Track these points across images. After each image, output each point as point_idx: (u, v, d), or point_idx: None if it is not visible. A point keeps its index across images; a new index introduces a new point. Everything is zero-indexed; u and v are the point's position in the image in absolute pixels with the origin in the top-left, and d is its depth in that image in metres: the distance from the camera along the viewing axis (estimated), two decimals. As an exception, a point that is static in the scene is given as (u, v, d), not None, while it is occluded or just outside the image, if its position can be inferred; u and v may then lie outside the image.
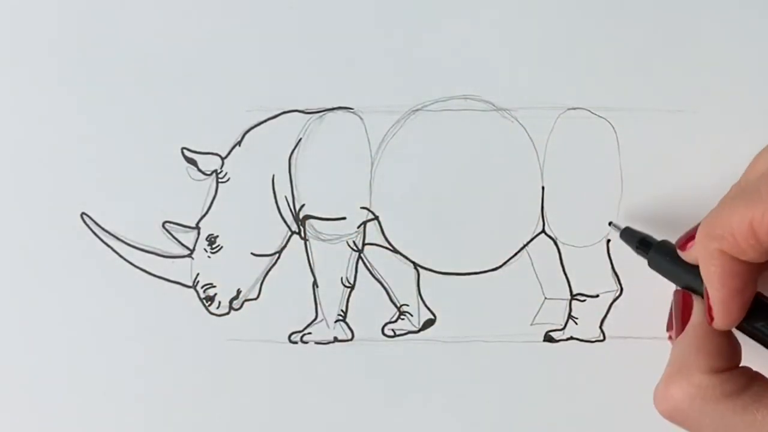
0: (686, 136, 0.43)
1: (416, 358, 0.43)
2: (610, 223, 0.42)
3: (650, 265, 0.40)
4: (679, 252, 0.38)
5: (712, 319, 0.35)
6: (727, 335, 0.36)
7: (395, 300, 0.44)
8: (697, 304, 0.37)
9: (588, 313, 0.43)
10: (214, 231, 0.44)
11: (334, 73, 0.43)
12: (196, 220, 0.44)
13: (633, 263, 0.41)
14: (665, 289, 0.40)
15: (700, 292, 0.37)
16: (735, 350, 0.35)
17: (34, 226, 0.43)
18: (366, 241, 0.44)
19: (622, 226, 0.42)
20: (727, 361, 0.35)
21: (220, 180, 0.44)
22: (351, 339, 0.43)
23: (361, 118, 0.43)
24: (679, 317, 0.37)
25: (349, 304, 0.44)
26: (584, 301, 0.43)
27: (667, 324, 0.40)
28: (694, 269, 0.36)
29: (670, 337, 0.39)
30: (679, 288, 0.38)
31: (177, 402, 0.43)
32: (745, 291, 0.34)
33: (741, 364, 0.35)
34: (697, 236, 0.35)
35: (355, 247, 0.44)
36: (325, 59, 0.43)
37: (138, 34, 0.44)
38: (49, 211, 0.43)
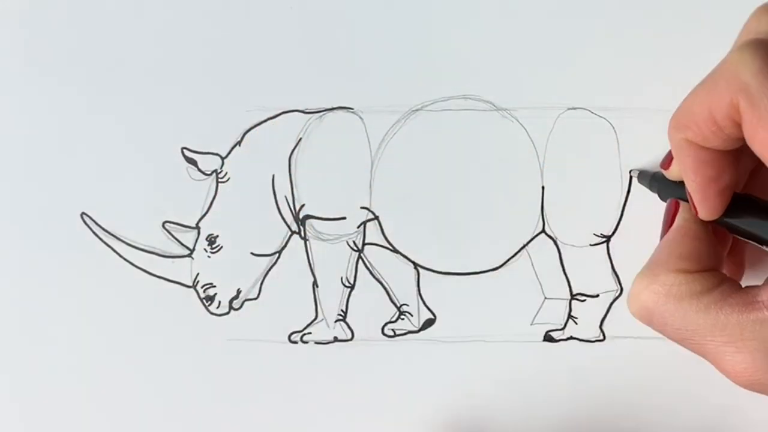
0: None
1: (416, 358, 0.43)
2: (630, 172, 0.43)
3: (661, 197, 0.40)
4: (663, 172, 0.39)
5: (696, 212, 0.36)
6: (704, 241, 0.36)
7: (395, 300, 0.44)
8: (680, 210, 0.37)
9: (588, 313, 0.43)
10: (214, 231, 0.44)
11: (334, 73, 0.43)
12: (196, 220, 0.44)
13: (633, 263, 0.41)
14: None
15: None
16: (710, 255, 0.35)
17: (34, 226, 0.43)
18: (366, 241, 0.44)
19: (636, 172, 0.42)
20: (696, 263, 0.35)
21: (220, 180, 0.44)
22: (351, 339, 0.43)
23: (361, 118, 0.43)
24: (667, 222, 0.37)
25: (349, 304, 0.44)
26: (584, 301, 0.43)
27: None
28: None
29: None
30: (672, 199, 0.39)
31: (177, 402, 0.43)
32: (719, 179, 0.34)
33: None
34: (668, 131, 0.35)
35: (355, 247, 0.44)
36: (325, 59, 0.43)
37: (138, 34, 0.44)
38: (49, 211, 0.44)
